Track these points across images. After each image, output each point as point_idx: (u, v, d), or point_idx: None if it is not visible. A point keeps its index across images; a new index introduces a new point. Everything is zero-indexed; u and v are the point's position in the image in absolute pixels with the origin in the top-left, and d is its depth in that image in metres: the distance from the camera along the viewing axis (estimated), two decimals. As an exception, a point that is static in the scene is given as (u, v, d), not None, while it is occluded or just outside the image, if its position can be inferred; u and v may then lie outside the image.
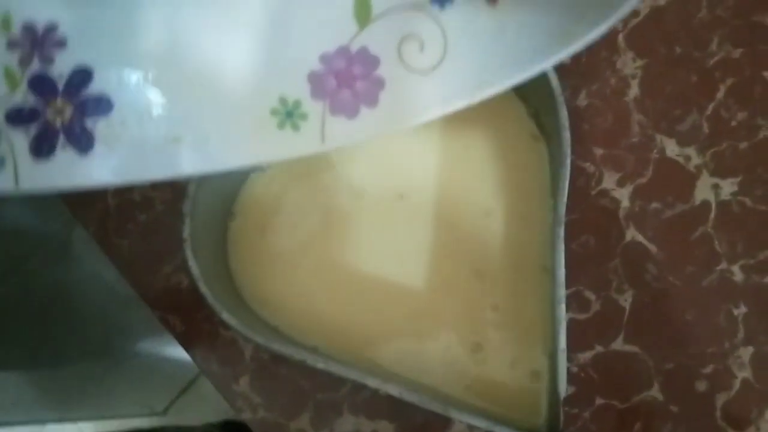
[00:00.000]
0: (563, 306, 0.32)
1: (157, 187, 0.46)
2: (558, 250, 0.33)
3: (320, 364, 0.33)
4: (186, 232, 0.36)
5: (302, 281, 0.41)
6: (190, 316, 0.43)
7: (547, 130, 0.40)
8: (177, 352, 1.16)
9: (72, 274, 0.87)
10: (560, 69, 0.35)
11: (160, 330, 1.03)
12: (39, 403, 0.94)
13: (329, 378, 0.40)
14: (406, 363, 0.38)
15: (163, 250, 0.44)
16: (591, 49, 0.43)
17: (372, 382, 0.32)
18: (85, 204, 0.46)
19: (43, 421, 1.14)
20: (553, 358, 0.35)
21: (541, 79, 0.36)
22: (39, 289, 0.82)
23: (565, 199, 0.34)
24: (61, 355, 0.88)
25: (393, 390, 0.32)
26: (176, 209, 0.45)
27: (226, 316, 0.34)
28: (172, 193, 0.46)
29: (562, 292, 0.33)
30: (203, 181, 0.37)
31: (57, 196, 0.69)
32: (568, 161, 0.34)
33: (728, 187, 0.40)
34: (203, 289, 0.35)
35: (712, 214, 0.40)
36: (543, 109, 0.39)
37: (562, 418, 0.31)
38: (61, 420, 1.01)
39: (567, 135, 0.34)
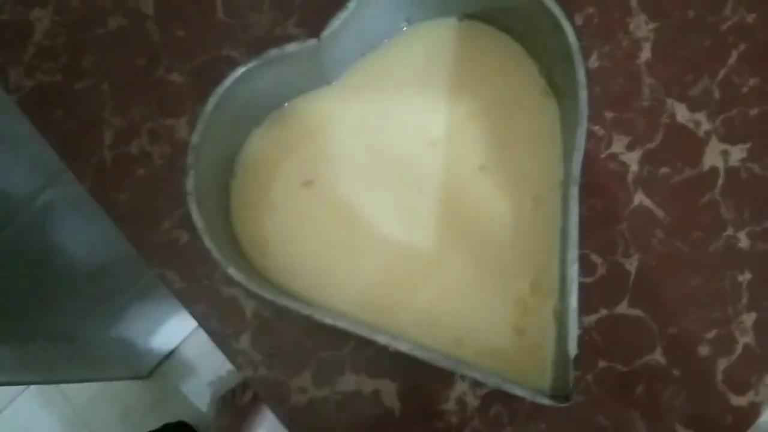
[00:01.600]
0: (576, 266, 0.32)
1: (155, 141, 0.45)
2: (572, 210, 0.33)
3: (328, 320, 0.33)
4: (190, 185, 0.35)
5: (302, 235, 0.40)
6: (189, 273, 0.42)
7: (559, 90, 0.39)
8: (163, 316, 1.15)
9: (54, 238, 0.85)
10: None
11: (148, 292, 1.03)
12: (21, 365, 0.93)
13: (332, 336, 0.40)
14: (400, 317, 0.38)
15: (162, 205, 0.43)
16: (603, 10, 0.42)
17: (381, 339, 0.32)
18: (79, 157, 0.45)
19: (26, 383, 1.13)
20: (561, 318, 0.35)
21: (557, 37, 0.36)
22: (20, 256, 0.81)
23: (581, 158, 0.33)
24: (46, 319, 0.87)
25: (403, 346, 0.32)
26: (175, 165, 0.44)
27: (232, 271, 0.33)
28: (170, 147, 0.44)
29: (575, 252, 0.32)
30: (206, 133, 0.36)
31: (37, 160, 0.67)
32: (585, 120, 0.33)
33: (737, 153, 0.40)
34: (208, 243, 0.34)
35: (720, 181, 0.40)
36: (557, 67, 0.38)
37: (572, 379, 0.31)
38: (43, 382, 1.00)
39: (584, 94, 0.34)
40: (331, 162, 0.41)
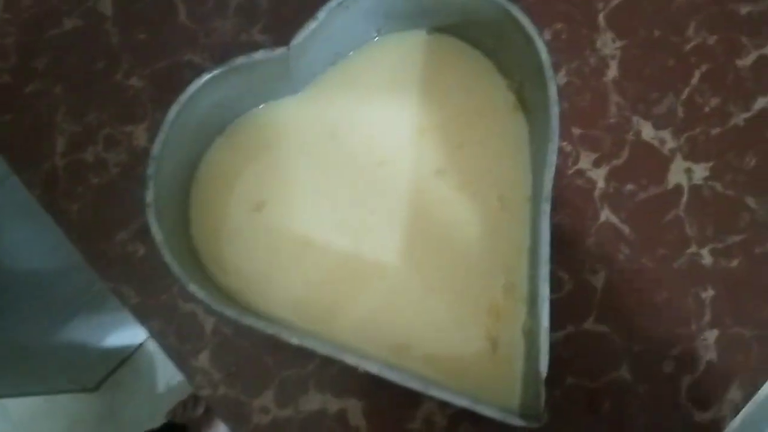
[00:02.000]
0: (547, 284, 0.32)
1: (112, 148, 0.43)
2: (543, 227, 0.32)
3: (294, 339, 0.32)
4: (150, 197, 0.33)
5: (262, 249, 0.39)
6: (146, 287, 0.40)
7: (528, 105, 0.39)
8: (112, 327, 1.11)
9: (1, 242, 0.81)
10: (545, 44, 0.34)
11: (97, 302, 0.98)
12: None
13: (295, 354, 0.39)
14: (360, 335, 0.37)
15: (118, 216, 0.41)
16: (571, 26, 0.43)
17: (349, 359, 0.31)
18: (29, 164, 0.43)
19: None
20: (530, 335, 0.35)
21: (529, 53, 0.36)
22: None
23: (552, 175, 0.33)
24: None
25: (372, 367, 0.31)
26: (133, 173, 0.42)
27: (193, 287, 0.32)
28: (128, 155, 0.43)
29: (546, 269, 0.32)
30: (167, 143, 0.35)
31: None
32: (557, 137, 0.33)
33: (700, 171, 0.41)
34: (168, 258, 0.32)
35: (684, 198, 0.40)
36: (527, 83, 0.38)
37: (543, 398, 0.30)
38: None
39: (556, 110, 0.34)
40: (290, 171, 0.40)
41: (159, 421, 1.11)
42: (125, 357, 1.17)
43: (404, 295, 0.38)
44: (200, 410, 1.08)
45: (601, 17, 0.44)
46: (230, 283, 0.37)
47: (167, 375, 1.16)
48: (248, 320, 0.32)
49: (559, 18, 0.43)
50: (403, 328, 0.37)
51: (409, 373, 0.31)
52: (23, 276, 0.86)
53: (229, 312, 0.32)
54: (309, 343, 0.32)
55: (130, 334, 1.13)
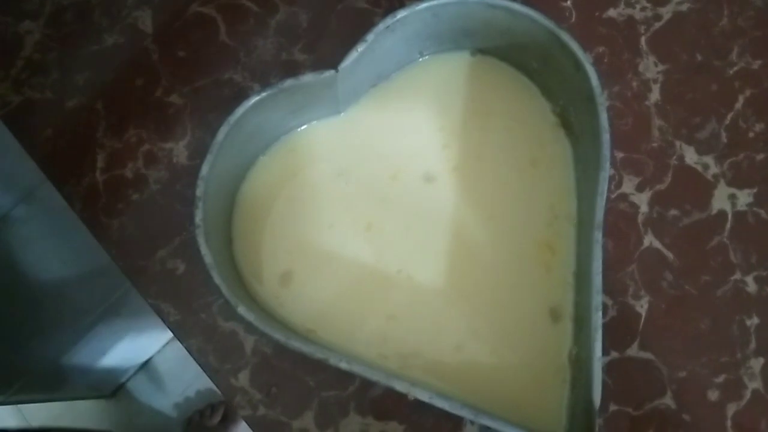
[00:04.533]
0: (600, 314, 0.31)
1: (152, 165, 0.43)
2: (596, 255, 0.32)
3: (343, 365, 0.31)
4: (199, 217, 0.33)
5: (303, 260, 0.39)
6: (186, 305, 0.40)
7: (574, 130, 0.39)
8: (130, 335, 1.11)
9: (21, 254, 0.81)
10: (598, 68, 0.34)
11: (116, 311, 0.99)
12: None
13: (335, 375, 0.39)
14: (378, 343, 0.37)
15: (158, 232, 0.41)
16: (613, 50, 0.42)
17: (399, 386, 0.31)
18: (69, 179, 0.43)
19: (-19, 404, 1.08)
20: (577, 363, 0.35)
21: (577, 78, 0.36)
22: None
23: (604, 203, 0.33)
24: (7, 335, 0.83)
25: (422, 395, 0.31)
26: (173, 190, 0.42)
27: (242, 310, 0.32)
28: (168, 172, 0.43)
29: (599, 299, 0.32)
30: (215, 163, 0.35)
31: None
32: (608, 164, 0.33)
33: (744, 197, 0.40)
34: (217, 280, 0.32)
35: (728, 224, 0.40)
36: (573, 108, 0.38)
37: (597, 427, 0.30)
38: (3, 402, 0.95)
39: (607, 137, 0.33)
40: (329, 189, 0.40)
41: (175, 429, 1.11)
42: (142, 364, 1.17)
43: (450, 318, 0.38)
44: (217, 419, 1.08)
45: (642, 41, 0.43)
46: (273, 302, 0.37)
47: (184, 383, 1.16)
48: (296, 344, 0.32)
49: (601, 42, 0.43)
50: (444, 347, 0.37)
51: (459, 402, 0.31)
52: (45, 286, 0.87)
53: (277, 335, 0.32)
54: (358, 369, 0.31)
55: (147, 341, 1.13)
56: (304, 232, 0.39)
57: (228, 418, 1.09)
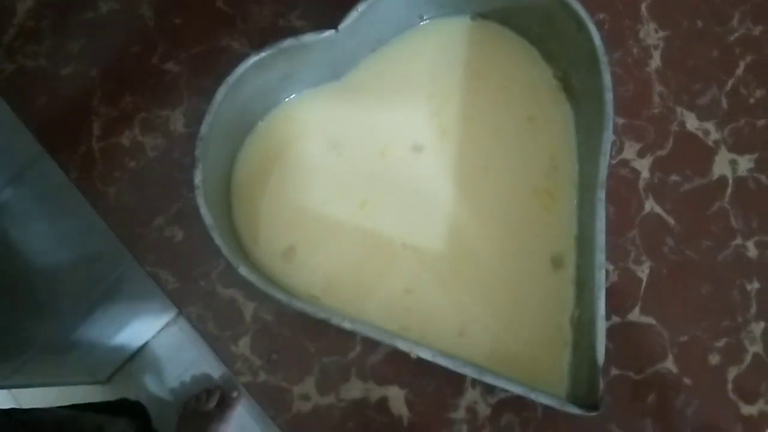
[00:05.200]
0: (603, 272, 0.31)
1: (148, 132, 0.42)
2: (598, 214, 0.32)
3: (346, 324, 0.31)
4: (198, 178, 0.33)
5: (305, 233, 0.38)
6: (184, 272, 0.40)
7: (575, 93, 0.38)
8: (125, 319, 1.10)
9: (12, 238, 0.81)
10: (603, 28, 0.34)
11: (111, 295, 0.98)
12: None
13: (336, 340, 0.38)
14: (394, 316, 0.36)
15: (155, 200, 0.41)
16: (614, 16, 0.42)
17: (402, 345, 0.31)
18: (65, 147, 0.42)
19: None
20: (578, 325, 0.34)
21: (580, 39, 0.35)
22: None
23: (607, 162, 0.33)
24: (3, 320, 0.82)
25: (425, 353, 0.30)
26: (170, 157, 0.42)
27: (243, 271, 0.32)
28: (165, 139, 0.42)
29: (601, 257, 0.32)
30: (213, 124, 0.34)
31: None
32: (611, 123, 0.33)
33: (745, 163, 0.40)
34: (218, 241, 0.32)
35: (729, 190, 0.40)
36: (575, 71, 0.38)
37: (601, 386, 0.30)
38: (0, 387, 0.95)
39: (610, 96, 0.33)
40: (326, 155, 0.40)
41: (171, 414, 1.11)
42: (137, 349, 1.17)
43: (457, 282, 0.37)
44: (213, 403, 1.07)
45: (643, 8, 0.43)
46: (271, 263, 0.37)
47: (180, 368, 1.16)
48: (299, 304, 0.31)
49: (602, 8, 0.43)
50: (449, 312, 0.37)
51: (462, 360, 0.31)
52: (38, 270, 0.86)
53: (280, 295, 0.31)
54: (361, 329, 0.31)
55: (142, 326, 1.13)
56: (302, 206, 0.39)
57: (224, 403, 1.08)
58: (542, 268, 0.36)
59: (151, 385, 1.17)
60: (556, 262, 0.36)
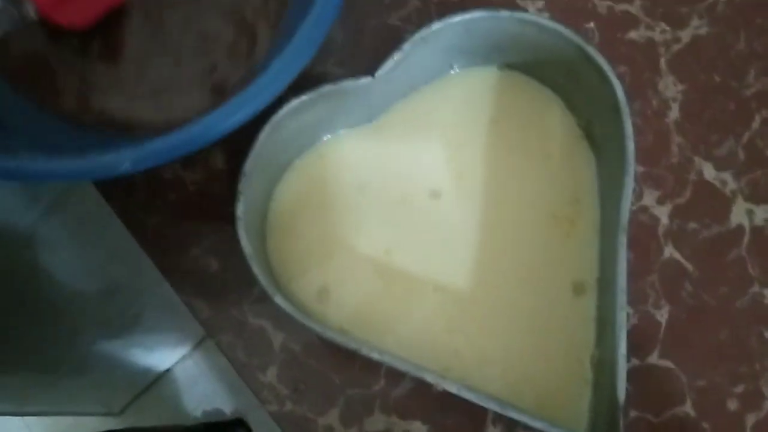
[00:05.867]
0: (624, 313, 0.33)
1: (188, 167, 0.44)
2: (620, 257, 0.33)
3: (375, 355, 0.32)
4: (240, 210, 0.35)
5: (337, 273, 0.40)
6: (217, 302, 0.41)
7: (597, 141, 0.40)
8: (142, 351, 1.11)
9: (41, 268, 0.83)
10: (624, 82, 0.36)
11: (131, 326, 0.99)
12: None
13: (361, 373, 0.40)
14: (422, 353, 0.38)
15: (193, 231, 0.43)
16: (634, 69, 0.44)
17: (430, 378, 0.32)
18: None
19: (-2, 413, 1.08)
20: (599, 365, 0.35)
21: (601, 90, 0.37)
22: (5, 284, 0.78)
23: (628, 206, 0.34)
24: (27, 348, 0.83)
25: (451, 386, 0.32)
26: (208, 191, 0.44)
27: (279, 300, 0.33)
28: (204, 174, 0.44)
29: (623, 298, 0.33)
30: (256, 160, 0.36)
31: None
32: (632, 170, 0.35)
33: (761, 213, 0.42)
34: (257, 269, 0.34)
35: (746, 238, 0.41)
36: (597, 120, 0.40)
37: (621, 425, 0.31)
38: (16, 413, 0.96)
39: (632, 145, 0.35)
40: (361, 193, 0.42)
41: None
42: (151, 382, 1.17)
43: (469, 314, 0.39)
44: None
45: (662, 62, 0.45)
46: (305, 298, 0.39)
47: (192, 403, 1.16)
48: (330, 334, 0.33)
49: (623, 61, 0.45)
50: (469, 346, 0.38)
51: (486, 395, 0.32)
52: (63, 300, 0.88)
53: (314, 325, 0.33)
54: (389, 360, 0.32)
55: (158, 359, 1.14)
56: (335, 246, 0.40)
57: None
58: (564, 295, 0.37)
59: (164, 419, 1.17)
60: (578, 289, 0.37)
